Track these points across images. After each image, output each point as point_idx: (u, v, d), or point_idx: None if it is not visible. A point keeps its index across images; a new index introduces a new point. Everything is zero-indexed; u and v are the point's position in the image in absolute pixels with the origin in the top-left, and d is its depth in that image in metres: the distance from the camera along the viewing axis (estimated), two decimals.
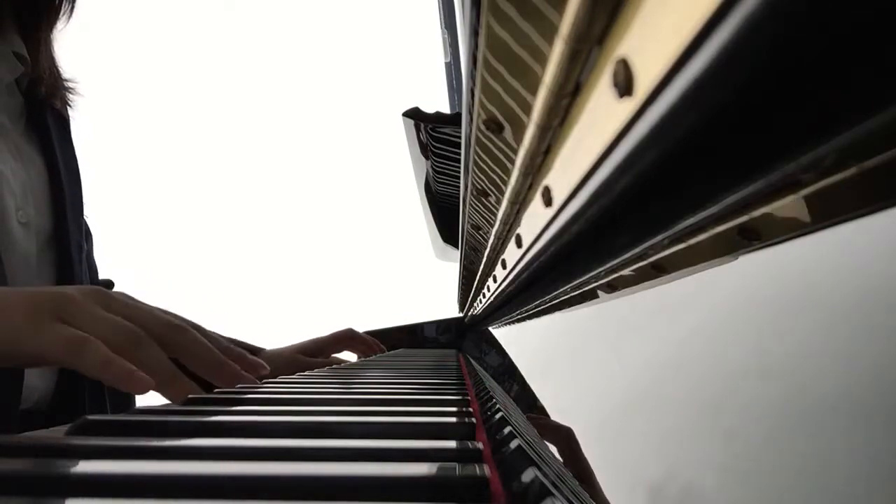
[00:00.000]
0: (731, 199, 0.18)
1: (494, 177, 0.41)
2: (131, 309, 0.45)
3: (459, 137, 0.47)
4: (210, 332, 0.50)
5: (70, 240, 0.72)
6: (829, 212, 0.15)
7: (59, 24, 0.74)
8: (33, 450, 0.19)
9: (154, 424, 0.23)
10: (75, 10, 0.74)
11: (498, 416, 0.28)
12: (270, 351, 0.97)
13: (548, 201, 0.30)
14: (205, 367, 0.46)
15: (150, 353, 0.43)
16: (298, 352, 0.95)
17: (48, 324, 0.42)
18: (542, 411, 0.50)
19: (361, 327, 1.04)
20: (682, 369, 0.26)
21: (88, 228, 0.85)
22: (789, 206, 0.16)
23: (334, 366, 0.85)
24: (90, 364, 0.40)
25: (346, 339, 0.99)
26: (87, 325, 0.43)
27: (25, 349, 0.42)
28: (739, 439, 0.20)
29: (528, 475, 0.17)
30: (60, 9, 0.73)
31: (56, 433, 0.24)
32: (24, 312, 0.43)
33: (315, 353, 0.95)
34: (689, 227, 0.21)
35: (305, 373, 0.58)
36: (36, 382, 0.66)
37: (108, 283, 0.94)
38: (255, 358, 0.49)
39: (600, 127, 0.20)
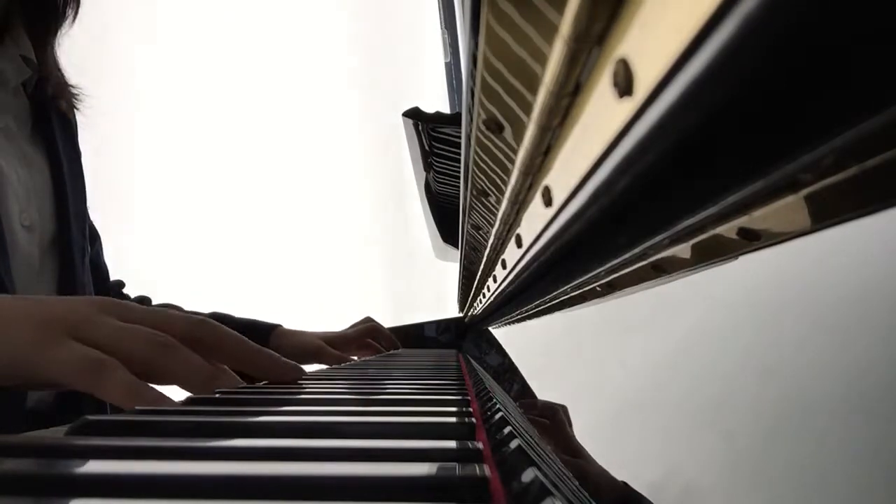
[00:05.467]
0: (731, 200, 0.18)
1: (494, 177, 0.41)
2: (149, 314, 0.42)
3: (459, 137, 0.47)
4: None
5: (73, 244, 0.72)
6: (829, 212, 0.15)
7: (65, 27, 0.74)
8: (33, 450, 0.19)
9: (154, 424, 0.23)
10: (79, 12, 0.74)
11: (498, 416, 0.28)
12: (287, 329, 0.96)
13: (548, 201, 0.30)
14: (240, 359, 0.43)
15: (182, 357, 0.39)
16: (323, 341, 0.93)
17: (61, 341, 0.38)
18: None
19: None
20: (681, 369, 0.26)
21: (96, 230, 0.85)
22: (789, 206, 0.16)
23: (334, 366, 0.85)
24: (111, 390, 0.36)
25: (371, 335, 0.99)
26: (105, 340, 0.39)
27: (34, 370, 0.38)
28: (739, 438, 0.20)
29: (528, 475, 0.17)
30: (67, 11, 0.73)
31: (56, 433, 0.24)
32: (32, 328, 0.38)
33: (338, 347, 0.94)
34: (689, 227, 0.21)
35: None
36: None
37: (119, 284, 0.94)
38: (287, 360, 0.45)
39: (600, 127, 0.20)
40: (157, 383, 0.39)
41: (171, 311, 0.44)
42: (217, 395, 0.35)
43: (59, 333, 0.38)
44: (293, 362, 0.45)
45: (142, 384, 0.37)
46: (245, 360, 0.43)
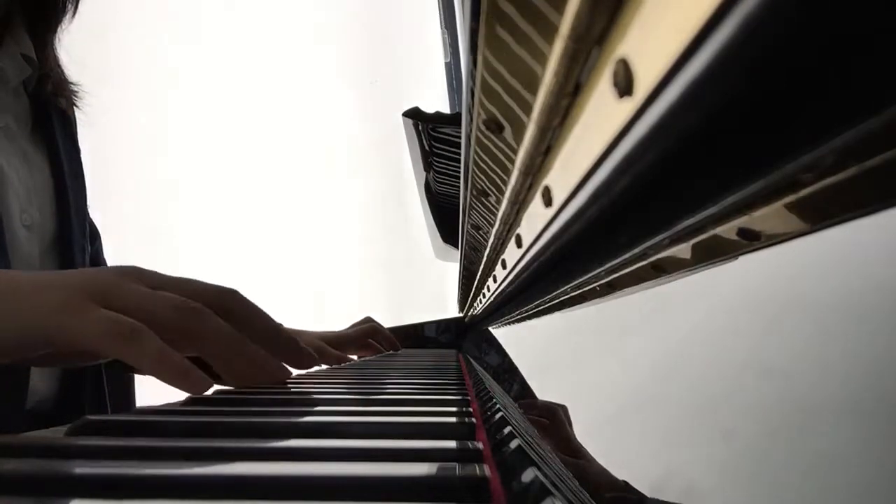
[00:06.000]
0: (731, 200, 0.18)
1: (494, 177, 0.41)
2: (177, 282, 0.41)
3: (459, 137, 0.47)
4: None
5: (73, 243, 0.72)
6: (829, 212, 0.15)
7: (65, 23, 0.74)
8: (33, 450, 0.19)
9: (154, 424, 0.23)
10: (79, 9, 0.74)
11: (498, 416, 0.28)
12: (288, 329, 0.96)
13: (548, 201, 0.30)
14: (264, 339, 0.41)
15: (212, 324, 0.38)
16: (323, 341, 0.93)
17: (90, 307, 0.37)
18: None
19: None
20: (681, 369, 0.26)
21: (96, 229, 0.85)
22: (789, 206, 0.16)
23: (334, 366, 0.85)
24: (140, 356, 0.36)
25: (371, 335, 1.00)
26: (134, 306, 0.37)
27: (63, 336, 0.37)
28: (739, 439, 0.20)
29: (528, 475, 0.17)
30: (66, 6, 0.73)
31: (56, 433, 0.24)
32: (62, 294, 0.37)
33: (338, 347, 0.94)
34: (689, 227, 0.21)
35: (303, 372, 0.58)
36: (37, 383, 0.66)
37: None
38: (305, 348, 0.44)
39: (600, 127, 0.20)
40: (185, 352, 0.38)
41: (197, 280, 0.42)
42: (217, 396, 0.35)
43: (87, 300, 0.37)
44: (310, 351, 0.44)
45: (172, 352, 0.36)
46: (267, 340, 0.42)
